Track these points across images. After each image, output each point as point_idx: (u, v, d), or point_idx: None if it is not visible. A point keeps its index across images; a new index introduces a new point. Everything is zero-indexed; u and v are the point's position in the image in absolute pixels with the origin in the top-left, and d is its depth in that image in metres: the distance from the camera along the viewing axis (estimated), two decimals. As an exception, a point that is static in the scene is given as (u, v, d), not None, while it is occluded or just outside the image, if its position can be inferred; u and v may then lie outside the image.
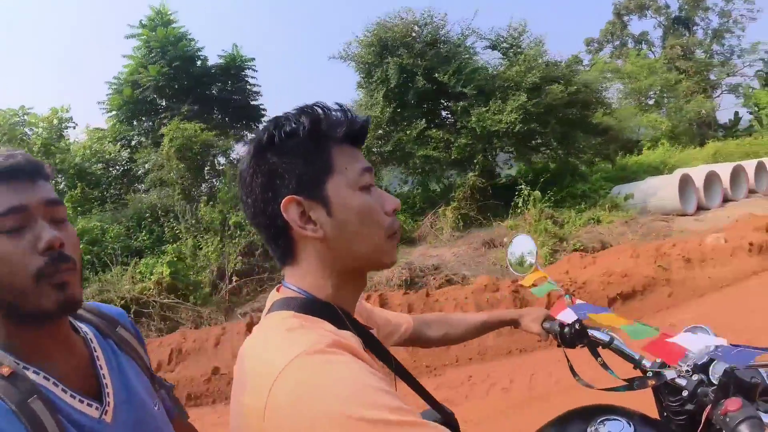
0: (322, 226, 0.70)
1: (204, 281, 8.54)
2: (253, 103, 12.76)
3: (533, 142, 11.44)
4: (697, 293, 4.85)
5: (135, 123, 11.73)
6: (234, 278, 8.40)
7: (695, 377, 0.95)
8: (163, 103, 11.40)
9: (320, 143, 0.71)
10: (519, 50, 11.16)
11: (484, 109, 9.60)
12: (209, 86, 11.64)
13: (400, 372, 0.83)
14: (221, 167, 12.15)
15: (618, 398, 1.09)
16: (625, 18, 21.99)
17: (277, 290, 0.77)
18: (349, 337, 0.67)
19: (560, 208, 9.88)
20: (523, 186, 8.50)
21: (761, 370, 0.87)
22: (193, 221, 9.44)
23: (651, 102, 17.47)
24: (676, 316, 4.40)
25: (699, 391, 0.92)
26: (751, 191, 12.20)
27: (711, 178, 11.67)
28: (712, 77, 20.12)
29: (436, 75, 9.83)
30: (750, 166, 12.28)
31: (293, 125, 0.71)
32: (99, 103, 11.67)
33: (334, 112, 0.73)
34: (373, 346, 0.77)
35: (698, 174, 11.50)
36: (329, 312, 0.71)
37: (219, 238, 9.06)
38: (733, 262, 5.46)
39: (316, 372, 0.55)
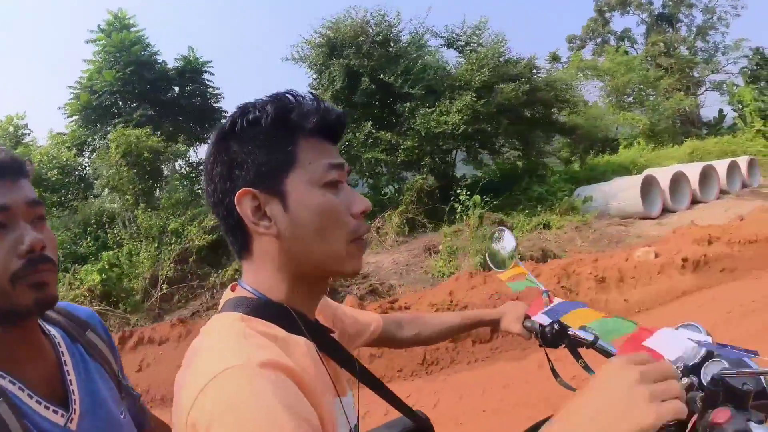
0: (276, 222, 0.63)
1: (137, 288, 8.03)
2: (215, 105, 12.14)
3: (495, 143, 10.57)
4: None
5: (95, 128, 11.19)
6: (164, 285, 7.85)
7: (685, 380, 0.81)
8: (116, 110, 10.85)
9: (286, 134, 0.64)
10: (480, 47, 10.28)
11: (430, 110, 8.78)
12: (165, 90, 11.03)
13: (365, 378, 0.76)
14: (180, 170, 11.62)
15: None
16: (607, 15, 20.73)
17: (232, 289, 0.71)
18: (299, 344, 0.62)
19: (513, 212, 9.03)
20: (459, 191, 7.67)
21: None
22: (135, 228, 8.88)
23: (630, 99, 16.32)
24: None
25: (688, 396, 0.78)
26: (723, 192, 11.12)
27: (680, 179, 10.65)
28: (695, 74, 18.77)
29: (382, 76, 9.02)
30: (721, 165, 11.19)
31: (257, 113, 0.64)
32: (59, 108, 11.18)
33: (306, 102, 0.66)
34: (333, 350, 0.70)
35: (665, 174, 10.48)
36: (282, 314, 0.64)
37: (156, 245, 8.51)
38: (659, 281, 4.58)
39: (236, 392, 0.50)
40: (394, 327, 1.09)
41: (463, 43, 10.25)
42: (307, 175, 0.64)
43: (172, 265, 8.05)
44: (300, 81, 11.68)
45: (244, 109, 0.65)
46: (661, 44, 18.02)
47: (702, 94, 19.10)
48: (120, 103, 11.02)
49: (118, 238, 8.80)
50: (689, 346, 0.86)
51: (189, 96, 11.46)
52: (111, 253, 8.40)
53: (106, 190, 10.24)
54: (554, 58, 19.45)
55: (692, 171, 10.82)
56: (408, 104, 9.04)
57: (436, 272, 6.94)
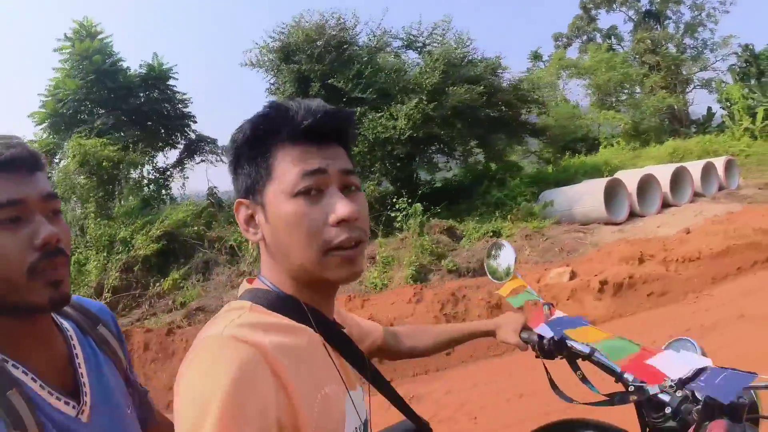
0: (261, 229, 0.67)
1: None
2: (184, 110, 11.81)
3: (453, 147, 10.01)
4: (491, 352, 3.46)
5: (65, 134, 10.97)
6: (106, 294, 7.61)
7: (679, 393, 0.83)
8: (84, 117, 10.64)
9: (262, 148, 0.66)
10: (442, 47, 9.70)
11: (378, 114, 8.28)
12: (130, 98, 10.72)
13: (375, 380, 0.76)
14: (149, 175, 11.36)
15: (600, 412, 0.94)
16: (593, 12, 19.66)
17: (249, 281, 0.72)
18: (304, 334, 0.62)
19: (468, 218, 8.48)
20: (400, 198, 7.16)
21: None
22: (89, 237, 8.62)
23: (613, 98, 15.45)
24: (424, 387, 3.07)
25: (683, 408, 0.82)
26: (698, 194, 10.35)
27: (651, 181, 9.93)
28: (683, 72, 17.69)
29: (332, 80, 8.55)
30: (696, 167, 10.41)
31: (239, 134, 0.68)
32: (29, 116, 10.99)
33: (282, 112, 0.65)
34: (343, 345, 0.70)
35: (635, 177, 9.77)
36: (292, 306, 0.65)
37: (105, 254, 8.24)
38: (566, 309, 3.99)
39: (200, 354, 0.55)
40: (392, 339, 1.06)
41: (420, 45, 9.70)
42: (279, 186, 0.63)
43: (117, 274, 7.79)
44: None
45: (236, 130, 0.68)
46: (648, 41, 17.02)
47: (690, 91, 18.08)
48: (85, 111, 10.79)
49: (72, 246, 8.58)
50: (688, 366, 0.84)
51: (155, 102, 11.15)
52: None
53: (74, 198, 10.05)
54: (536, 56, 18.64)
55: (664, 173, 10.09)
56: (359, 109, 8.55)
57: (369, 283, 6.48)
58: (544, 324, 1.09)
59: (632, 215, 9.56)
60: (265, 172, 0.65)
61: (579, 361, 1.03)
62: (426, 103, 8.18)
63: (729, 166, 10.73)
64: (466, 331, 1.15)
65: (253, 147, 0.65)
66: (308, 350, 0.61)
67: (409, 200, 7.11)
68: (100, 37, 11.02)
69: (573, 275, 4.28)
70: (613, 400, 0.91)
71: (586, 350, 0.99)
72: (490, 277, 1.27)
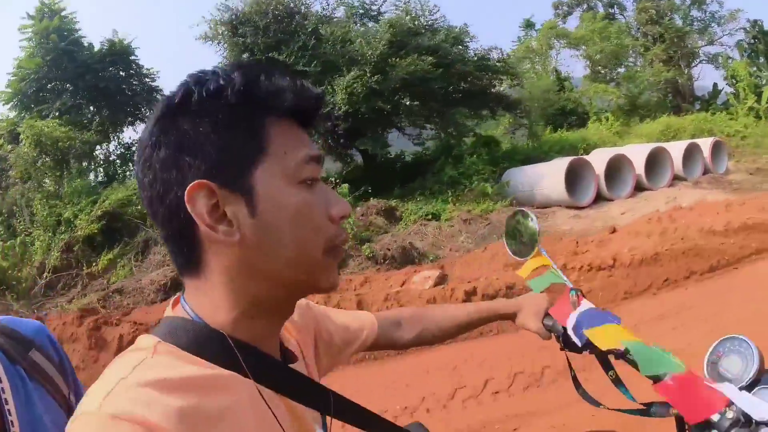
0: (240, 227, 0.46)
1: (27, 277, 7.75)
2: (152, 84, 11.45)
3: (402, 122, 9.33)
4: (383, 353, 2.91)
5: (32, 114, 10.83)
6: (46, 274, 7.53)
7: (730, 414, 0.68)
8: (46, 96, 10.44)
9: (254, 113, 0.47)
10: (407, 15, 8.91)
11: (320, 88, 7.66)
12: (91, 75, 10.39)
13: (340, 409, 0.57)
14: (117, 152, 11.18)
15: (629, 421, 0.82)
16: (594, -20, 17.98)
17: (174, 304, 0.52)
18: (224, 384, 0.46)
19: (418, 198, 7.87)
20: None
21: None
22: (38, 217, 8.51)
23: (608, 70, 14.14)
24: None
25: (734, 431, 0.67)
26: (679, 178, 9.34)
27: (625, 162, 9.02)
28: (689, 45, 15.98)
29: (274, 53, 7.96)
30: (678, 148, 9.37)
31: (220, 82, 0.46)
32: (-6, 95, 10.84)
33: (278, 76, 0.48)
34: (290, 386, 0.52)
35: (605, 156, 8.87)
36: (216, 346, 0.47)
37: (51, 234, 8.13)
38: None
39: None
40: (393, 328, 0.89)
41: (375, 13, 8.93)
42: (280, 168, 0.47)
43: (58, 254, 7.65)
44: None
45: (199, 78, 0.47)
46: (652, 11, 15.43)
47: (696, 66, 16.39)
48: (50, 90, 10.59)
49: (22, 227, 8.51)
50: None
51: (119, 78, 10.82)
52: (9, 243, 8.10)
53: (31, 180, 9.91)
54: (528, 24, 17.27)
55: (640, 153, 9.12)
56: (300, 84, 7.95)
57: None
58: (573, 315, 0.92)
59: (601, 198, 8.73)
60: (253, 144, 0.46)
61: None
62: (370, 75, 7.50)
63: (717, 148, 9.61)
64: (485, 312, 0.99)
65: (241, 108, 0.46)
66: (238, 410, 0.44)
67: (337, 180, 6.56)
68: (63, 13, 10.68)
69: (442, 279, 3.64)
70: (649, 410, 0.77)
71: (621, 347, 0.84)
72: (510, 253, 1.10)
